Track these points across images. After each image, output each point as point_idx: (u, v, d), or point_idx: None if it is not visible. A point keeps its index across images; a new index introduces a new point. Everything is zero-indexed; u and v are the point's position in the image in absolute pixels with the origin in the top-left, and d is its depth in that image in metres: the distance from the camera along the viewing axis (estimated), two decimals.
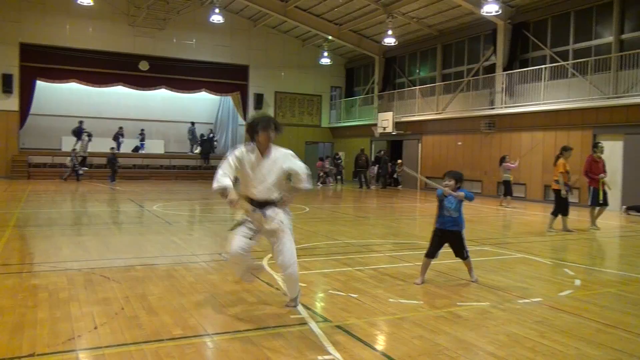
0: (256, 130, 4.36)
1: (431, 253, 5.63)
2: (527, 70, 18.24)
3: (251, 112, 26.62)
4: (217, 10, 22.90)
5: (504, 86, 18.95)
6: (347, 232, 9.49)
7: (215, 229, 9.85)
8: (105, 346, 3.59)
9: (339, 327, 4.11)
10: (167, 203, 14.21)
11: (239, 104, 27.35)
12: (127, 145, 26.35)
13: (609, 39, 16.41)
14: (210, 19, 23.31)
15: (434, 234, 5.68)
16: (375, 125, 24.64)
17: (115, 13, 24.25)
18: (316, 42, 27.87)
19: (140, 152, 27.05)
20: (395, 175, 24.34)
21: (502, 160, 15.40)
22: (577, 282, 5.89)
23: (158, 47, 25.28)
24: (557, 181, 10.05)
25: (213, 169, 5.49)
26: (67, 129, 24.77)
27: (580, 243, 9.15)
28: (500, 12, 17.65)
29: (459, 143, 21.11)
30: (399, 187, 23.99)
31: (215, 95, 28.46)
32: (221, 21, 23.41)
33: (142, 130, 27.66)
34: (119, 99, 27.28)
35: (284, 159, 4.43)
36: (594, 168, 10.62)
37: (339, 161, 26.24)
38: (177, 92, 26.98)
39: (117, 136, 25.87)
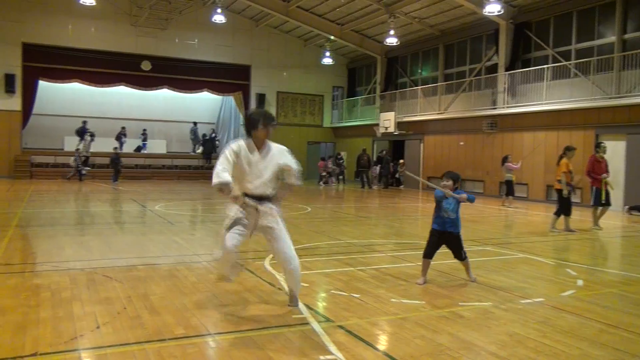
0: (257, 125, 4.36)
1: (429, 254, 5.63)
2: (530, 70, 18.21)
3: None
4: (219, 10, 22.93)
5: (506, 86, 18.92)
6: (349, 232, 9.49)
7: (217, 229, 9.84)
8: (107, 346, 3.59)
9: (340, 327, 4.11)
10: (169, 203, 14.23)
11: (241, 104, 27.36)
12: (129, 145, 26.35)
13: (611, 38, 16.38)
14: (213, 19, 23.35)
15: (431, 234, 5.68)
16: (377, 125, 24.61)
17: (118, 13, 24.27)
18: (318, 42, 27.85)
19: (142, 152, 27.08)
20: (397, 176, 24.33)
21: (505, 160, 15.37)
22: (580, 282, 5.88)
23: (160, 47, 25.31)
24: (559, 181, 10.04)
25: None
26: (69, 129, 24.86)
27: (583, 243, 9.13)
28: (502, 12, 17.62)
29: (461, 143, 21.09)
30: (401, 187, 23.98)
31: (218, 95, 28.47)
32: (223, 21, 23.44)
33: (145, 130, 27.68)
34: (121, 99, 27.32)
35: (280, 154, 4.46)
36: (597, 168, 10.62)
37: (341, 161, 26.23)
38: (180, 92, 27.01)
39: (120, 136, 25.89)
